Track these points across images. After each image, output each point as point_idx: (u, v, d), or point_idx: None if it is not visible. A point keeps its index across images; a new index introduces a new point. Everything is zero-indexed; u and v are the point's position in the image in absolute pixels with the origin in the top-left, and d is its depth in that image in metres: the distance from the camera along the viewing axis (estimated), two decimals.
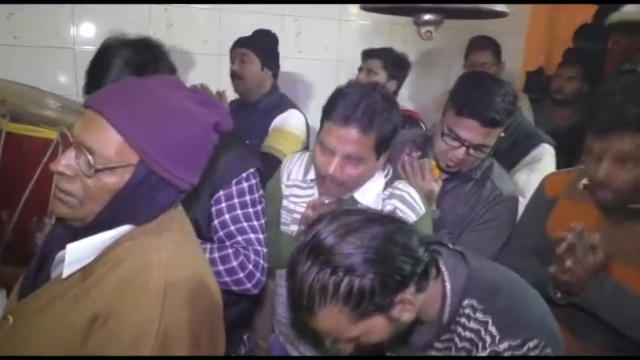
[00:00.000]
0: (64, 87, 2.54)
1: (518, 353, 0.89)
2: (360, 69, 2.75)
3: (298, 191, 1.51)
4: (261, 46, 2.47)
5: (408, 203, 1.41)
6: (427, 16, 1.19)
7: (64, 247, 0.89)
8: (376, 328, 0.92)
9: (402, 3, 1.09)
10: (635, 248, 1.25)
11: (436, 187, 1.54)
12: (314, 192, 1.49)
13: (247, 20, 2.93)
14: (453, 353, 0.97)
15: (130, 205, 0.88)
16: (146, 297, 0.83)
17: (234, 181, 1.39)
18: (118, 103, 0.85)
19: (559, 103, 2.84)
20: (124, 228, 0.90)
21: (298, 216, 1.44)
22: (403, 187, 1.44)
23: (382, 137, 1.31)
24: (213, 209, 1.39)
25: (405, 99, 2.74)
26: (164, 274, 0.86)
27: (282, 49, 2.82)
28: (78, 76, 2.63)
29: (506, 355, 0.89)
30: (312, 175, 1.48)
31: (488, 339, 0.92)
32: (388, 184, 1.44)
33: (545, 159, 1.96)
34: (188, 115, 0.88)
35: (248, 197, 1.40)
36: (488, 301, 0.95)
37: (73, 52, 2.66)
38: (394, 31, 3.32)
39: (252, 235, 1.39)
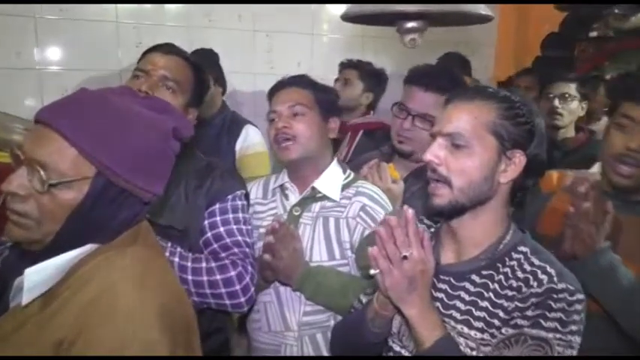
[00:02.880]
0: (31, 109, 2.43)
1: (571, 298, 0.91)
2: (337, 79, 2.73)
3: (260, 207, 1.54)
4: (212, 62, 2.47)
5: (376, 200, 1.42)
6: (410, 24, 1.17)
7: (22, 273, 0.84)
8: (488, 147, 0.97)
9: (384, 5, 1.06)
10: (630, 241, 1.24)
11: (395, 187, 1.54)
12: (276, 204, 1.51)
13: (218, 37, 2.90)
14: (492, 289, 0.97)
15: (91, 221, 0.84)
16: (115, 317, 0.79)
17: (230, 197, 1.41)
18: (70, 114, 0.82)
19: None
20: (87, 247, 0.86)
21: (264, 230, 1.45)
22: (367, 185, 1.47)
23: (319, 93, 1.48)
24: (206, 222, 1.38)
25: (379, 110, 2.73)
26: (131, 293, 0.81)
27: (253, 66, 2.80)
28: (44, 98, 2.53)
29: (560, 296, 0.91)
30: (275, 183, 1.53)
31: (545, 277, 0.94)
32: (351, 183, 1.47)
33: None
34: (144, 123, 0.85)
35: (241, 214, 1.42)
36: (541, 253, 0.99)
37: (37, 74, 2.56)
38: (366, 45, 3.32)
39: (247, 249, 1.38)
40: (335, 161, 1.51)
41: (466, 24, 1.31)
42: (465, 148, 0.97)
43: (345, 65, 2.76)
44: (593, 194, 1.17)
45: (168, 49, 1.40)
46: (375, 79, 2.70)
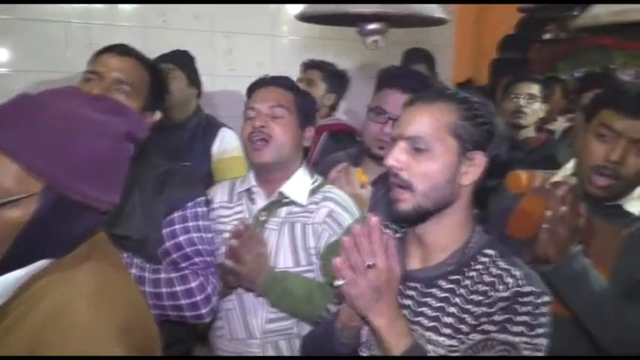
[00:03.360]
0: None
1: (537, 301, 0.91)
2: (299, 80, 2.70)
3: (225, 211, 1.49)
4: (187, 62, 2.39)
5: (343, 206, 1.40)
6: (372, 26, 1.15)
7: None
8: (449, 150, 0.96)
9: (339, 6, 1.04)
10: (600, 248, 1.25)
11: (363, 192, 1.53)
12: (242, 208, 1.47)
13: (174, 38, 2.82)
14: (459, 294, 0.96)
15: (43, 238, 0.77)
16: (73, 334, 0.74)
17: (190, 204, 1.35)
18: (7, 125, 0.74)
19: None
20: (40, 263, 0.80)
21: (228, 235, 1.41)
22: (335, 190, 1.45)
23: (301, 99, 1.46)
24: (165, 231, 1.32)
25: (340, 112, 2.72)
26: (89, 309, 0.76)
27: (213, 67, 2.72)
28: None
29: (525, 299, 0.90)
30: (241, 187, 1.49)
31: (511, 281, 0.93)
32: (319, 188, 1.45)
33: None
34: (94, 127, 0.78)
35: (201, 222, 1.37)
36: (507, 256, 0.98)
37: None
38: (326, 46, 3.30)
39: (208, 259, 1.34)
40: (303, 166, 1.49)
41: (424, 26, 1.31)
42: (426, 152, 0.95)
43: (308, 65, 2.73)
44: (570, 198, 1.17)
45: (122, 49, 1.32)
46: (337, 80, 2.68)
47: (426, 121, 0.96)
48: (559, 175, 1.39)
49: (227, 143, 2.32)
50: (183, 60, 2.38)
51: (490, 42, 3.53)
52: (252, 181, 1.47)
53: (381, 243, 0.92)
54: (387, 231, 1.11)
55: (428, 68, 3.01)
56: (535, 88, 2.45)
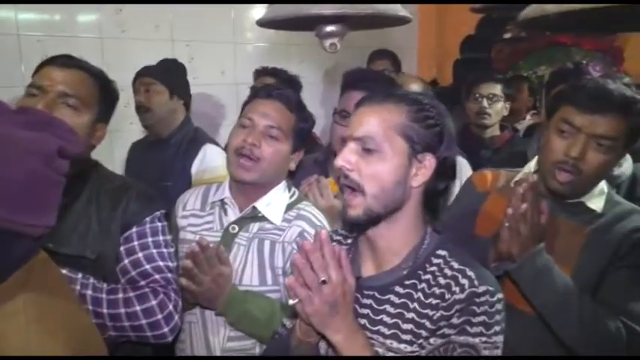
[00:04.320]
0: None
1: (492, 300, 0.91)
2: (253, 87, 2.66)
3: (196, 220, 1.43)
4: (167, 73, 2.30)
5: (315, 226, 1.36)
6: (329, 28, 1.13)
7: None
8: (398, 151, 0.94)
9: (298, 7, 1.02)
10: (563, 245, 1.25)
11: (336, 202, 1.50)
12: (214, 218, 1.41)
13: (134, 48, 2.76)
14: (416, 299, 0.95)
15: None
16: None
17: (148, 219, 1.30)
18: None
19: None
20: None
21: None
22: (309, 209, 1.41)
23: (301, 123, 1.38)
24: (122, 248, 1.26)
25: None
26: (25, 342, 0.71)
27: None
28: None
29: (482, 299, 0.90)
30: (215, 196, 1.44)
31: (466, 282, 0.92)
32: (294, 205, 1.40)
33: (462, 175, 1.97)
34: (18, 147, 0.72)
35: (161, 237, 1.31)
36: (459, 255, 0.97)
37: None
38: (291, 52, 3.29)
39: (169, 275, 1.28)
40: (283, 183, 1.43)
41: (385, 26, 1.30)
42: (375, 152, 0.94)
43: (261, 72, 2.67)
44: (531, 195, 1.17)
45: (65, 61, 1.25)
46: (292, 86, 2.65)
47: (375, 122, 0.95)
48: (522, 173, 1.40)
49: (208, 162, 2.21)
50: (162, 71, 2.29)
51: (453, 42, 3.57)
52: (226, 192, 1.42)
53: (333, 256, 0.91)
54: (337, 237, 1.10)
55: (392, 64, 3.04)
56: (497, 88, 2.48)
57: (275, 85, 2.50)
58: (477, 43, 3.39)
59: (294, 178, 1.51)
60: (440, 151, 0.95)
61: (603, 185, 1.31)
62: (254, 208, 1.37)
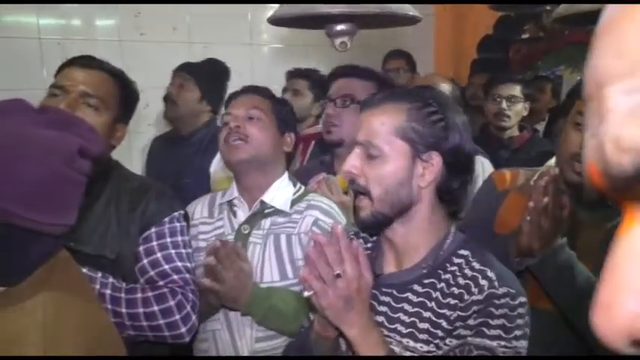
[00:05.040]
0: None
1: (513, 303, 0.89)
2: (285, 89, 2.66)
3: (205, 227, 1.44)
4: (206, 76, 2.32)
5: (329, 213, 1.37)
6: (340, 27, 1.14)
7: None
8: (399, 153, 0.94)
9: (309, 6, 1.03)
10: (584, 241, 1.24)
11: (347, 198, 1.50)
12: (223, 222, 1.42)
13: (152, 51, 2.80)
14: (434, 298, 0.94)
15: None
16: None
17: (167, 219, 1.31)
18: None
19: (475, 109, 2.93)
20: None
21: None
22: (319, 198, 1.42)
23: (278, 106, 1.43)
24: (141, 248, 1.27)
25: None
26: (42, 339, 0.72)
27: None
28: None
29: (501, 301, 0.88)
30: (222, 199, 1.45)
31: (486, 283, 0.91)
32: (302, 197, 1.41)
33: (485, 174, 1.96)
34: (40, 147, 0.73)
35: (180, 238, 1.32)
36: (481, 256, 0.96)
37: None
38: (307, 53, 3.30)
39: (187, 275, 1.28)
40: (286, 174, 1.45)
41: (395, 25, 1.30)
42: (378, 157, 0.94)
43: (293, 74, 2.66)
44: (552, 188, 1.16)
45: (87, 61, 1.27)
46: (324, 88, 2.65)
47: (374, 126, 0.95)
48: (543, 167, 1.39)
49: None
50: (202, 72, 2.31)
51: (470, 42, 3.54)
52: (234, 192, 1.43)
53: (349, 250, 0.91)
54: (363, 235, 1.09)
55: (407, 62, 3.03)
56: (516, 89, 2.44)
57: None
58: (495, 43, 3.36)
59: (301, 181, 1.52)
60: (446, 146, 0.94)
61: None
62: (262, 202, 1.38)
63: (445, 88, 2.09)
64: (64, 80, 1.24)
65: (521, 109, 2.45)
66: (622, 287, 0.26)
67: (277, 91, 2.65)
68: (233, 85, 3.34)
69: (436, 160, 0.94)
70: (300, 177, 1.53)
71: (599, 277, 1.10)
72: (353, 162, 0.96)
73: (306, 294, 0.92)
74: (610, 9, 0.25)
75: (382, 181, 0.94)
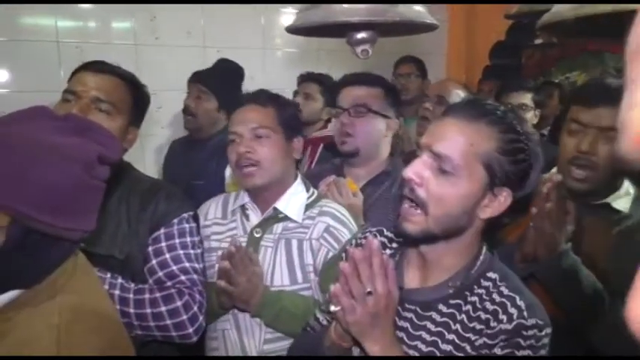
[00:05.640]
0: None
1: (540, 334, 0.88)
2: (296, 93, 2.68)
3: (219, 228, 1.45)
4: (223, 85, 2.35)
5: (340, 220, 1.38)
6: (360, 35, 1.15)
7: None
8: (475, 180, 0.88)
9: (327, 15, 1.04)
10: (589, 247, 1.24)
11: (356, 200, 1.52)
12: (236, 224, 1.43)
13: (167, 54, 2.83)
14: (459, 320, 0.91)
15: (12, 270, 0.75)
16: None
17: (176, 220, 1.32)
18: None
19: None
20: (10, 294, 0.77)
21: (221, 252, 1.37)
22: (331, 204, 1.42)
23: (283, 112, 1.39)
24: (150, 249, 1.29)
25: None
26: (55, 346, 0.74)
27: None
28: None
29: (529, 333, 0.87)
30: (235, 204, 1.46)
31: (515, 312, 0.88)
32: (315, 203, 1.42)
33: None
34: (60, 154, 0.75)
35: (189, 239, 1.33)
36: (510, 280, 0.93)
37: None
38: (320, 58, 3.31)
39: (195, 276, 1.30)
40: (299, 180, 1.45)
41: (413, 33, 1.31)
42: (451, 175, 0.87)
43: (305, 78, 2.68)
44: (555, 194, 1.17)
45: (99, 67, 1.29)
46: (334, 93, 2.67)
47: (460, 142, 0.87)
48: (547, 174, 1.40)
49: None
50: (218, 82, 2.35)
51: (482, 48, 3.54)
52: (245, 197, 1.44)
53: (382, 267, 0.88)
54: (382, 239, 1.06)
55: (417, 68, 3.04)
56: (527, 98, 2.44)
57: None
58: (507, 49, 3.35)
59: (312, 183, 1.53)
60: (520, 189, 0.91)
61: (628, 186, 1.30)
62: (275, 209, 1.39)
63: (459, 94, 2.09)
64: (77, 85, 1.26)
65: (531, 117, 2.45)
66: None
67: (289, 94, 2.68)
68: (246, 89, 3.39)
69: (506, 198, 0.90)
70: (311, 179, 1.54)
71: (606, 284, 1.10)
72: (418, 169, 0.89)
73: (332, 308, 0.90)
74: None
75: (447, 201, 0.88)
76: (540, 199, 1.17)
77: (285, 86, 2.74)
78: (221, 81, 2.37)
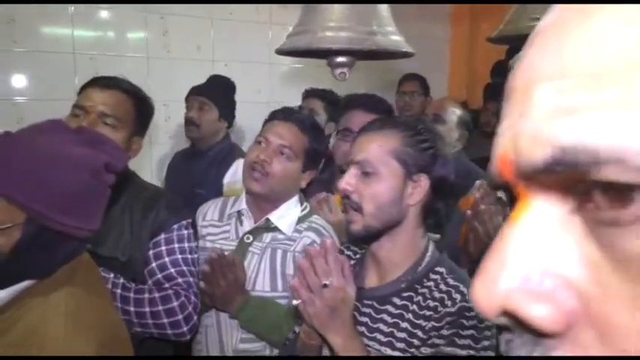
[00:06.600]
0: None
1: (482, 316, 0.94)
2: (301, 108, 2.77)
3: (214, 229, 1.54)
4: (221, 96, 2.48)
5: (322, 235, 1.45)
6: (339, 59, 1.25)
7: None
8: (394, 174, 1.03)
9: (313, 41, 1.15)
10: None
11: (344, 217, 1.59)
12: (230, 228, 1.52)
13: (177, 67, 2.95)
14: (411, 310, 1.02)
15: (25, 263, 0.84)
16: (52, 346, 0.80)
17: (175, 227, 1.41)
18: None
19: (488, 135, 3.00)
20: (23, 284, 0.87)
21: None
22: (320, 222, 1.50)
23: (313, 145, 1.47)
24: (151, 252, 1.38)
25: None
26: (63, 330, 0.82)
27: None
28: None
29: (471, 314, 0.95)
30: (232, 208, 1.54)
31: (459, 297, 0.98)
32: (306, 217, 1.50)
33: None
34: (73, 162, 0.86)
35: (186, 244, 1.43)
36: (456, 273, 1.05)
37: None
38: (323, 74, 3.38)
39: (191, 279, 1.39)
40: (297, 197, 1.52)
41: (389, 58, 1.40)
42: (373, 175, 1.03)
43: (310, 94, 2.75)
44: (489, 199, 1.24)
45: (105, 82, 1.39)
46: (336, 108, 2.73)
47: (372, 147, 1.05)
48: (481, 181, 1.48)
49: (239, 175, 2.29)
50: (217, 93, 2.46)
51: (484, 66, 3.62)
52: (243, 204, 1.53)
53: (337, 263, 0.99)
54: (348, 252, 1.19)
55: (421, 86, 3.09)
56: None
57: (310, 108, 2.65)
58: (506, 68, 3.43)
59: (305, 194, 1.61)
60: (434, 171, 1.05)
61: None
62: (267, 219, 1.47)
63: (456, 112, 2.17)
64: (85, 101, 1.36)
65: None
66: (500, 266, 0.27)
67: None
68: (252, 101, 3.50)
69: (424, 182, 1.04)
70: (304, 191, 1.62)
71: None
72: (348, 179, 1.05)
73: (294, 302, 1.00)
74: (557, 9, 0.26)
75: (375, 198, 1.03)
76: (474, 203, 1.26)
77: (290, 101, 2.84)
78: (220, 93, 2.50)
